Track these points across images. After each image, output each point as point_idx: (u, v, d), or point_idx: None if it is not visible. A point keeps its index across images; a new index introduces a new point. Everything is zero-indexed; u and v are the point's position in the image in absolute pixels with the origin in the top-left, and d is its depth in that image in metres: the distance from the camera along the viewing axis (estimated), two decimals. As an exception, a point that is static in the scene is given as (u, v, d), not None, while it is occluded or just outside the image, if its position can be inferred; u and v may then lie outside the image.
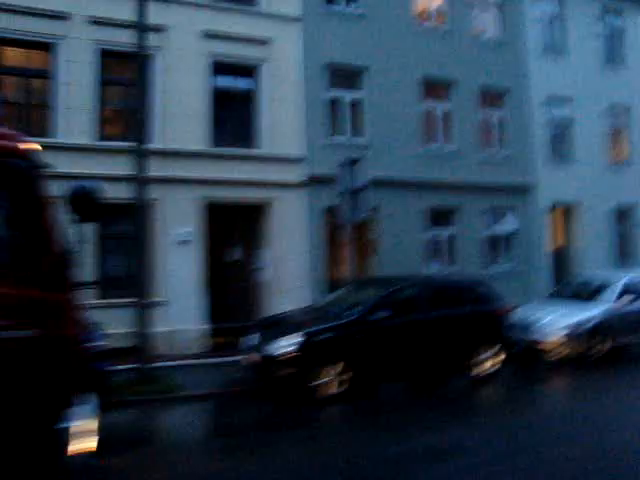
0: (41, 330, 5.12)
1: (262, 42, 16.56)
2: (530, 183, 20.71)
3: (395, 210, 17.98)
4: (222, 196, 15.85)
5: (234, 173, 15.80)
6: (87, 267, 7.03)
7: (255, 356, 11.17)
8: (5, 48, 14.33)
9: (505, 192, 20.09)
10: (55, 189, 5.95)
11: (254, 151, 16.45)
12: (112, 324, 10.05)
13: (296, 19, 17.17)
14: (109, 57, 15.01)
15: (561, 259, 21.82)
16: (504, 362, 12.70)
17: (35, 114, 14.45)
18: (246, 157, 16.22)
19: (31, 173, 5.32)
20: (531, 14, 21.68)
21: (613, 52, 24.16)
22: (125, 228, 13.78)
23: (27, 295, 5.10)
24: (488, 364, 12.49)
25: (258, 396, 11.06)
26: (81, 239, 5.80)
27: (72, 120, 14.35)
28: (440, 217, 19.09)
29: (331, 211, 16.06)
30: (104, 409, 6.79)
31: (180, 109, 15.42)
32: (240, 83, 16.65)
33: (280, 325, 11.74)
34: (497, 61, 20.57)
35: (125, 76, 14.72)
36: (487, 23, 20.93)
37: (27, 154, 5.33)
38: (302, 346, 10.59)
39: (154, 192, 13.15)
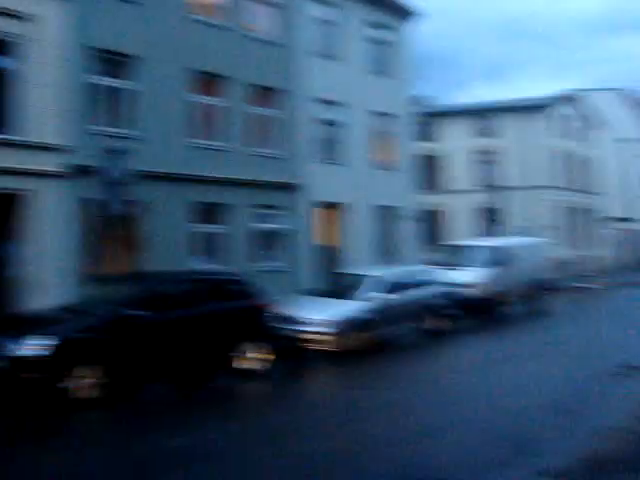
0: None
1: (25, 18, 15.23)
2: (299, 181, 21.18)
3: (164, 204, 17.42)
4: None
5: (-15, 160, 14.43)
6: None
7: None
8: None
9: (274, 189, 20.33)
10: None
11: (10, 137, 15.12)
12: None
13: (63, -3, 16.03)
14: None
15: (328, 256, 22.56)
16: (271, 356, 12.80)
17: None
18: (0, 143, 14.90)
19: None
20: (307, 16, 22.19)
21: (382, 61, 25.46)
22: None
23: None
24: (253, 360, 12.50)
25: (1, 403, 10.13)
26: None
27: None
28: (210, 213, 18.86)
29: (96, 204, 15.21)
30: None
31: None
32: (-2, 61, 15.22)
33: (27, 323, 10.89)
34: (271, 59, 20.77)
35: None
36: (263, 20, 21.07)
37: None
38: (53, 346, 9.82)
39: None
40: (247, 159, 19.71)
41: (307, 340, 14.22)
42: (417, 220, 26.47)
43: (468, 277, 19.21)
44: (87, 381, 10.04)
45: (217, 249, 19.03)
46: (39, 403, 9.86)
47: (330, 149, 23.01)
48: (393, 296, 15.79)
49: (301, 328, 14.25)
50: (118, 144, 14.20)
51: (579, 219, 45.09)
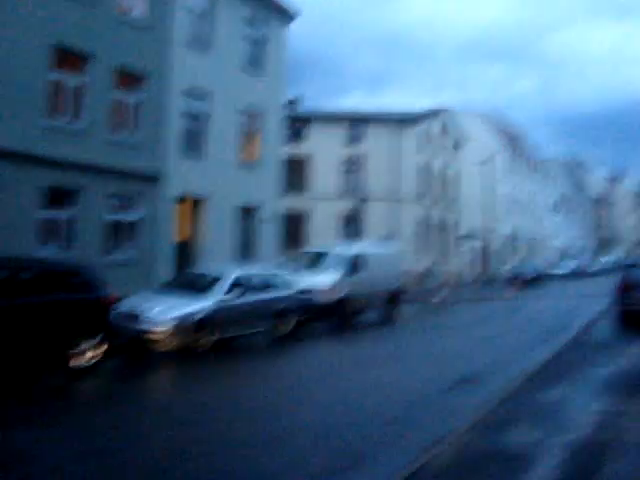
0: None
1: None
2: (161, 172, 20.55)
3: (13, 186, 16.31)
4: None
5: None
6: None
7: None
8: None
9: (134, 178, 19.62)
10: None
11: None
12: None
13: None
14: None
15: (186, 251, 22.11)
16: (109, 353, 12.30)
17: None
18: None
19: None
20: (181, 3, 21.59)
21: (255, 58, 25.25)
22: None
23: None
24: (90, 355, 11.95)
25: None
26: None
27: None
28: (60, 197, 17.77)
29: None
30: None
31: None
32: None
33: None
34: (141, 45, 20.05)
35: None
36: (136, 4, 20.30)
37: None
38: None
39: None
40: (108, 145, 18.89)
41: (147, 339, 13.76)
42: (279, 222, 26.45)
43: (320, 282, 19.30)
44: None
45: (69, 238, 17.99)
46: None
47: (196, 143, 22.52)
48: (242, 297, 15.58)
49: (142, 326, 13.77)
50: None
51: (439, 233, 46.75)
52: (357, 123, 42.31)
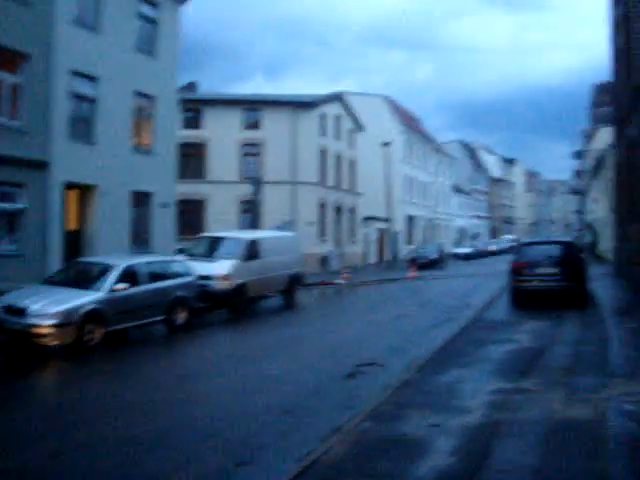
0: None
1: None
2: (45, 159, 19.38)
3: None
4: None
5: None
6: None
7: None
8: None
9: (17, 166, 18.39)
10: None
11: None
12: None
13: None
14: None
15: (77, 240, 21.12)
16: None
17: None
18: None
19: None
20: (68, -19, 20.40)
21: (147, 40, 24.27)
22: None
23: None
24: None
25: None
26: None
27: None
28: None
29: None
30: None
31: None
32: None
33: None
34: (22, 21, 18.71)
35: None
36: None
37: None
38: None
39: None
40: (-13, 130, 17.70)
41: (33, 334, 12.98)
42: (175, 209, 25.68)
43: (216, 269, 18.81)
44: None
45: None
46: None
47: (85, 127, 21.42)
48: (134, 287, 14.95)
49: (27, 321, 12.98)
50: None
51: (340, 217, 46.89)
52: (254, 107, 41.74)
